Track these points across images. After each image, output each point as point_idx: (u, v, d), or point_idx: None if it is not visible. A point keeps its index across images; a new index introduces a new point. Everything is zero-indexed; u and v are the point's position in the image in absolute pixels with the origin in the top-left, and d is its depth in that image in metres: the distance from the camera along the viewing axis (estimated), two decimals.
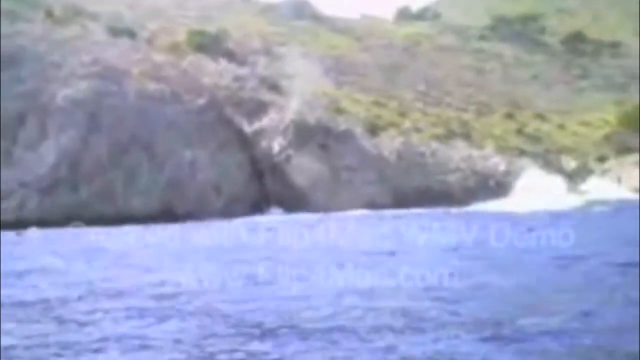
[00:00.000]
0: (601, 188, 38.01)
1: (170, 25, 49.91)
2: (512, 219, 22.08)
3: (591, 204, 30.90)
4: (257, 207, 31.72)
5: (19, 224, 26.92)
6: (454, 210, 30.64)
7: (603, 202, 30.21)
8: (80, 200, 29.40)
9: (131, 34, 43.13)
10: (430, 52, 65.56)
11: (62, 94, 31.66)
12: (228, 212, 30.32)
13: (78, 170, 29.82)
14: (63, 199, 29.10)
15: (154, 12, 53.83)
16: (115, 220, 28.23)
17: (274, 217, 29.53)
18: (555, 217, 23.07)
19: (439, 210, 30.37)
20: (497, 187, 37.61)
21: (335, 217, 28.02)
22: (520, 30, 76.54)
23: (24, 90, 31.77)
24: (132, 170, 30.81)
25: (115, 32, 42.12)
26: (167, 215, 29.68)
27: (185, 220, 28.60)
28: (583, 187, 39.68)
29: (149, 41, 43.95)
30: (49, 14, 41.49)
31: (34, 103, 31.33)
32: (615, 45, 76.98)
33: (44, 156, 29.65)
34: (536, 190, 34.16)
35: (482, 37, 72.81)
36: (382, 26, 71.20)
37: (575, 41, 76.01)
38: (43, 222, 27.23)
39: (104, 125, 31.26)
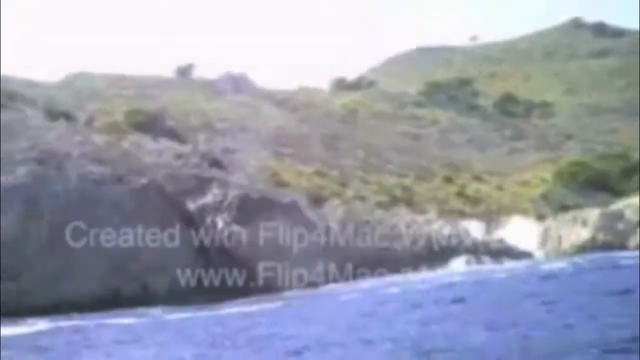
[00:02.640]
0: None
1: (108, 105, 49.80)
2: None
3: None
4: (205, 289, 31.28)
5: None
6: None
7: None
8: (21, 289, 28.62)
9: (68, 117, 42.88)
10: (368, 120, 66.66)
11: (1, 181, 31.04)
12: (174, 294, 29.92)
13: (18, 258, 29.07)
14: (2, 288, 28.25)
15: (90, 93, 53.69)
16: (57, 307, 27.68)
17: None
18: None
19: None
20: (442, 251, 38.02)
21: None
22: (454, 94, 78.51)
23: None
24: (74, 255, 30.18)
25: (53, 115, 41.84)
26: (112, 300, 29.15)
27: (130, 305, 28.21)
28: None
29: (88, 123, 43.75)
30: None
31: None
32: (545, 105, 79.35)
33: None
34: None
35: (417, 104, 74.41)
36: (319, 96, 72.34)
37: (507, 103, 78.21)
38: None
39: (44, 211, 30.67)
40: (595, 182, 51.33)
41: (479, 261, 37.94)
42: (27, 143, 34.54)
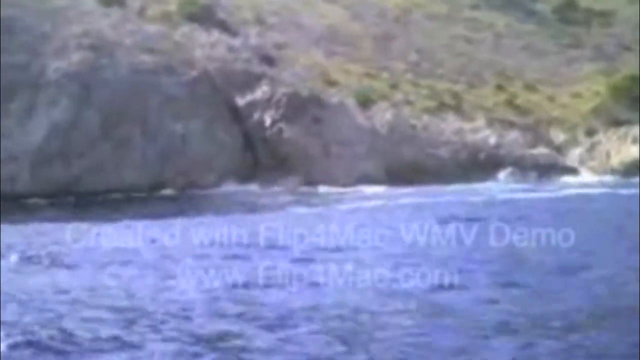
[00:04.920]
0: None
1: None
2: None
3: None
4: (250, 180, 31.79)
5: (10, 198, 26.99)
6: None
7: None
8: (72, 174, 29.44)
9: (121, 3, 42.67)
10: (422, 22, 65.10)
11: (54, 66, 31.45)
12: (220, 185, 30.48)
13: (69, 144, 29.80)
14: (54, 173, 29.14)
15: None
16: (107, 193, 28.51)
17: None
18: None
19: None
20: (488, 162, 37.84)
21: None
22: None
23: (13, 63, 31.43)
24: (124, 143, 30.83)
25: (106, 1, 41.65)
26: (159, 188, 29.85)
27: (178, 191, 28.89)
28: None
29: (140, 11, 43.52)
30: None
31: (24, 76, 31.08)
32: (606, 14, 76.49)
33: (34, 130, 29.58)
34: None
35: (474, 6, 72.36)
36: None
37: (567, 9, 75.48)
38: (34, 196, 27.39)
39: (96, 99, 31.15)
40: None
41: (524, 175, 37.49)
42: (80, 29, 34.69)
